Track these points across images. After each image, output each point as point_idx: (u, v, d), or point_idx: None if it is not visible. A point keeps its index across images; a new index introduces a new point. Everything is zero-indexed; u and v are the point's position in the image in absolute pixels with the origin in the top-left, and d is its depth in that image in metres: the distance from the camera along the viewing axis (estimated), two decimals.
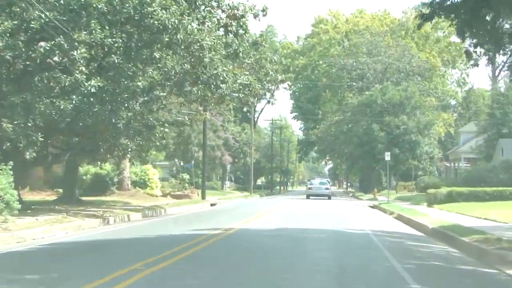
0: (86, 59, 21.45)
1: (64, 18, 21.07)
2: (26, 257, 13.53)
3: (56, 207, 27.31)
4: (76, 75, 20.92)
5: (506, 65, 63.76)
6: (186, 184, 57.20)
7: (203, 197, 47.31)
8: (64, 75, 21.34)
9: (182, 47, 23.60)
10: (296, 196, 72.59)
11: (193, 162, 57.64)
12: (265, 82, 29.56)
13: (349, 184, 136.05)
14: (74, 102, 21.26)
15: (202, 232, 18.26)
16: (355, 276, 10.88)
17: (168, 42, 22.91)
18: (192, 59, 24.91)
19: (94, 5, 21.06)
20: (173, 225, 22.92)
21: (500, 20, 15.95)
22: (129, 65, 22.36)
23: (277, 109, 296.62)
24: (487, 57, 20.72)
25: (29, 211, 22.88)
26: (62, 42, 20.68)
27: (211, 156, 61.53)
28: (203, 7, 25.90)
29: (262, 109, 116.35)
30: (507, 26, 16.64)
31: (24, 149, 21.38)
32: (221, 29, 27.01)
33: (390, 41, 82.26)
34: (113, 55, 22.13)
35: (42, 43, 22.09)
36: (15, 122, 20.89)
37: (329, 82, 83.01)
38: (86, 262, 12.59)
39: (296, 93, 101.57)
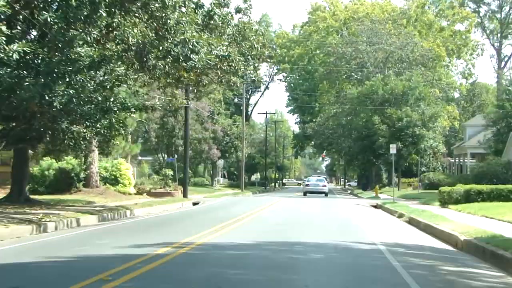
0: (6, 15, 16.17)
1: None
2: None
3: None
4: None
5: None
6: (170, 181, 52.19)
7: (185, 195, 42.15)
8: None
9: (139, 4, 18.35)
10: (291, 194, 67.37)
11: (176, 156, 52.45)
12: (249, 57, 24.32)
13: (347, 181, 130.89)
14: None
15: (144, 250, 12.87)
16: None
17: None
18: (153, 23, 19.67)
19: None
20: (118, 235, 17.63)
21: None
22: (65, 26, 17.06)
23: (273, 103, 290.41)
24: None
25: None
26: None
27: (197, 149, 56.34)
28: None
29: (257, 102, 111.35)
30: None
31: None
32: None
33: (391, 28, 77.01)
34: (44, 12, 16.86)
35: None
36: None
37: (327, 71, 77.72)
38: None
39: (292, 85, 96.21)
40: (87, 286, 8.77)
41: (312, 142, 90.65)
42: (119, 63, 20.78)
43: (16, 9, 16.71)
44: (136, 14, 19.52)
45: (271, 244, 14.78)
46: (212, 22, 21.57)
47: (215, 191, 63.12)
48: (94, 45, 19.57)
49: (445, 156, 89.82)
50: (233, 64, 22.39)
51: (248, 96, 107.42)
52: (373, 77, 71.22)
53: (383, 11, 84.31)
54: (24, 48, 16.14)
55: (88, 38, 17.63)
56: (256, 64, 25.59)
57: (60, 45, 17.40)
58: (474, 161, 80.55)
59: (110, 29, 20.71)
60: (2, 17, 16.01)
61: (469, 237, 15.42)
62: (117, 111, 23.94)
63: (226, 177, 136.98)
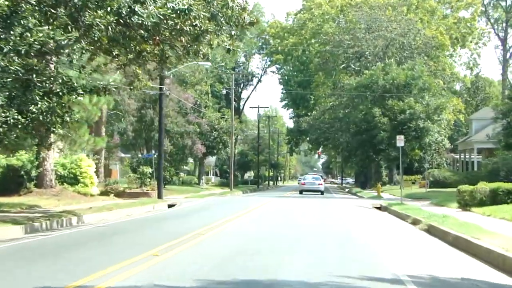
0: None
1: None
2: None
3: None
4: None
5: None
6: (148, 179, 46.77)
7: (159, 196, 36.64)
8: None
9: None
10: (285, 193, 61.88)
11: (153, 152, 46.88)
12: (223, 20, 18.77)
13: (344, 178, 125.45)
14: None
15: None
16: None
17: None
18: None
19: None
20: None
21: None
22: None
23: (267, 99, 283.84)
24: None
25: None
26: None
27: (179, 144, 50.78)
28: None
29: (249, 96, 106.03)
30: None
31: None
32: None
33: (391, 14, 71.52)
34: None
35: None
36: None
37: (323, 61, 72.18)
38: None
39: (286, 77, 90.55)
40: None
41: (307, 138, 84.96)
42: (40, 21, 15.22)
43: None
44: None
45: None
46: None
47: (201, 191, 57.66)
48: None
49: (448, 152, 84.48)
50: (198, 25, 16.88)
51: (240, 90, 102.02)
52: (373, 66, 65.77)
53: None
54: None
55: None
56: (233, 32, 19.92)
57: None
58: (481, 157, 75.42)
59: None
60: None
61: None
62: (60, 93, 18.46)
63: (218, 175, 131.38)
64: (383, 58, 68.77)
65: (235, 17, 19.60)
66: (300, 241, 15.29)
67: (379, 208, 33.70)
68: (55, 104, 20.27)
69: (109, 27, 16.38)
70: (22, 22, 14.94)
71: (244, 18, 20.45)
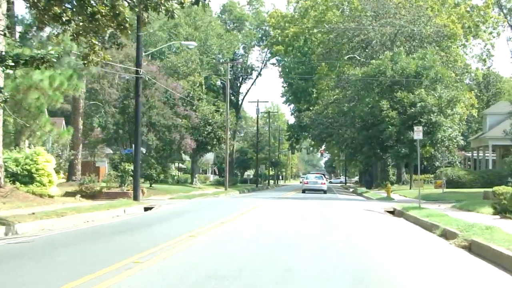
0: None
1: None
2: None
3: None
4: None
5: None
6: (131, 178, 41.79)
7: (135, 198, 31.51)
8: None
9: None
10: (285, 193, 56.76)
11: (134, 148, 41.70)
12: None
13: (348, 177, 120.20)
14: None
15: None
16: None
17: None
18: None
19: None
20: None
21: None
22: None
23: (268, 95, 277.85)
24: None
25: None
26: None
27: (166, 139, 45.64)
28: None
29: (248, 91, 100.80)
30: None
31: None
32: None
33: (400, 0, 66.33)
34: None
35: None
36: None
37: (326, 51, 66.99)
38: None
39: (286, 69, 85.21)
40: None
41: (309, 134, 79.57)
42: None
43: None
44: None
45: None
46: None
47: (192, 190, 52.55)
48: None
49: (460, 149, 79.34)
50: None
51: (238, 84, 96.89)
52: (380, 56, 60.61)
53: None
54: None
55: None
56: None
57: None
58: (494, 154, 70.31)
59: None
60: None
61: None
62: None
63: (217, 173, 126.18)
64: (391, 48, 63.63)
65: None
66: (293, 275, 10.10)
67: (392, 213, 28.58)
68: None
69: None
70: None
71: None
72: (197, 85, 61.51)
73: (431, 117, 55.02)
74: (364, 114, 59.11)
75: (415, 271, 10.96)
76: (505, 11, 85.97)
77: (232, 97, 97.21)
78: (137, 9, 15.83)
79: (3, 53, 16.21)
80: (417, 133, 28.67)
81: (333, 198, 44.17)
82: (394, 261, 12.36)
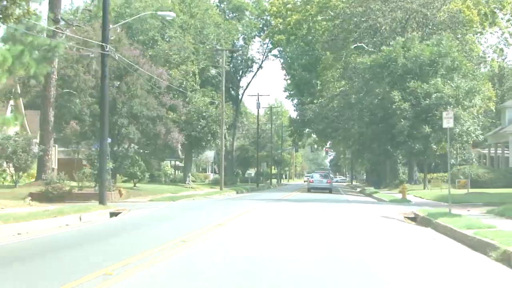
0: None
1: None
2: None
3: None
4: None
5: None
6: (108, 176, 36.51)
7: (102, 201, 26.12)
8: None
9: None
10: (285, 194, 51.33)
11: (109, 140, 36.35)
12: None
13: (354, 176, 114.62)
14: None
15: None
16: None
17: None
18: None
19: None
20: None
21: None
22: None
23: (270, 90, 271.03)
24: None
25: None
26: None
27: (150, 133, 40.21)
28: None
29: (248, 84, 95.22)
30: None
31: None
32: None
33: None
34: None
35: None
36: None
37: (331, 38, 61.48)
38: None
39: (289, 60, 79.52)
40: None
41: (313, 130, 73.88)
42: None
43: None
44: None
45: None
46: None
47: (182, 191, 47.24)
48: None
49: (473, 146, 73.83)
50: None
51: (238, 77, 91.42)
52: (391, 42, 55.16)
53: None
54: None
55: None
56: None
57: None
58: (508, 151, 64.90)
59: None
60: None
61: None
62: None
63: (217, 172, 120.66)
64: (402, 35, 58.12)
65: None
66: None
67: (413, 219, 23.20)
68: None
69: None
70: None
71: None
72: (190, 74, 56.16)
73: (448, 110, 49.47)
74: (373, 107, 53.64)
75: None
76: None
77: (232, 92, 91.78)
78: None
79: None
80: (447, 120, 23.29)
81: (340, 200, 38.57)
82: None
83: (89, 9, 45.88)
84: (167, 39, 63.35)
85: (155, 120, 39.84)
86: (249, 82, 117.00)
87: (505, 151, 63.77)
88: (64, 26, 36.64)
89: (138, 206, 28.25)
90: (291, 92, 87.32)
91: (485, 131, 77.12)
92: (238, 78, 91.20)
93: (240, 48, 70.96)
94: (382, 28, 59.11)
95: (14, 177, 36.28)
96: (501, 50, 74.03)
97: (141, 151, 43.73)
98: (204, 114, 54.79)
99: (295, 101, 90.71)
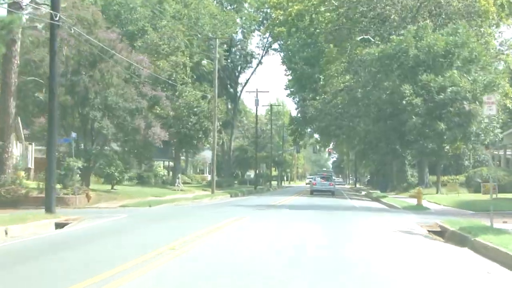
0: None
1: None
2: None
3: None
4: None
5: None
6: (77, 177, 31.97)
7: (48, 208, 21.10)
8: None
9: None
10: (283, 198, 46.27)
11: (74, 134, 31.32)
12: None
13: (357, 179, 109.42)
14: None
15: None
16: None
17: None
18: None
19: None
20: None
21: None
22: None
23: (271, 88, 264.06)
24: None
25: None
26: None
27: (127, 127, 35.11)
28: None
29: (248, 80, 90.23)
30: None
31: None
32: None
33: None
34: None
35: None
36: None
37: (335, 28, 56.34)
38: None
39: (289, 53, 74.23)
40: None
41: (315, 129, 68.58)
42: None
43: None
44: None
45: None
46: None
47: (169, 194, 42.28)
48: None
49: (486, 147, 68.64)
50: None
51: (236, 73, 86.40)
52: (402, 31, 50.10)
53: None
54: None
55: None
56: None
57: None
58: None
59: None
60: None
61: None
62: None
63: (216, 174, 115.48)
64: (412, 24, 53.01)
65: None
66: None
67: (440, 234, 18.19)
68: None
69: None
70: None
71: None
72: (181, 66, 51.19)
73: (465, 105, 44.50)
74: (381, 102, 48.54)
75: None
76: None
77: (230, 89, 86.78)
78: None
79: None
80: (489, 107, 18.16)
81: (346, 207, 33.21)
82: None
83: None
84: (159, 30, 58.38)
85: (133, 113, 34.77)
86: (248, 79, 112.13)
87: None
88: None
89: (100, 213, 23.26)
90: (292, 90, 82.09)
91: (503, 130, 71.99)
92: (237, 74, 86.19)
93: (230, 37, 65.75)
94: (391, 17, 54.01)
95: None
96: None
97: (120, 149, 38.66)
98: (195, 109, 49.89)
99: (297, 99, 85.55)
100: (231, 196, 49.83)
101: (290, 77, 79.31)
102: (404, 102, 45.15)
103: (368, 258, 12.25)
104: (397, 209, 31.24)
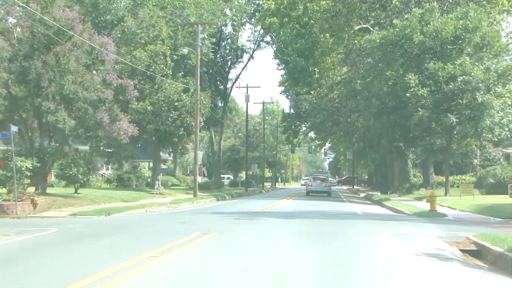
0: None
1: None
2: None
3: None
4: None
5: None
6: (25, 180, 26.90)
7: None
8: None
9: None
10: (274, 202, 41.22)
11: (15, 128, 26.19)
12: None
13: (355, 179, 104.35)
14: None
15: None
16: None
17: None
18: None
19: None
20: None
21: None
22: None
23: (264, 84, 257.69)
24: None
25: None
26: None
27: (89, 122, 29.97)
28: None
29: (238, 76, 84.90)
30: None
31: None
32: None
33: None
34: None
35: None
36: None
37: (331, 15, 51.33)
38: None
39: (281, 45, 69.08)
40: None
41: (308, 123, 63.40)
42: None
43: None
44: None
45: None
46: None
47: (144, 198, 37.13)
48: None
49: (494, 144, 63.69)
50: None
51: (226, 69, 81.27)
52: (406, 16, 45.18)
53: None
54: None
55: None
56: None
57: None
58: None
59: None
60: None
61: None
62: None
63: (206, 175, 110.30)
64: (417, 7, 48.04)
65: None
66: None
67: (475, 255, 13.23)
68: None
69: None
70: None
71: None
72: (161, 56, 46.16)
73: (477, 97, 39.58)
74: (382, 94, 43.50)
75: None
76: None
77: (220, 86, 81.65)
78: None
79: None
80: None
81: (345, 214, 27.87)
82: None
83: None
84: (138, 17, 53.26)
85: (96, 104, 29.64)
86: (239, 74, 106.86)
87: None
88: None
89: (25, 226, 18.20)
90: (286, 86, 76.99)
91: None
92: (227, 69, 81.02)
93: (217, 25, 60.64)
94: (393, 1, 49.03)
95: None
96: None
97: (82, 146, 33.55)
98: (176, 104, 44.83)
99: (290, 95, 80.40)
100: (217, 200, 45.01)
101: (282, 72, 74.23)
102: (408, 93, 40.32)
103: None
104: (407, 215, 26.11)
